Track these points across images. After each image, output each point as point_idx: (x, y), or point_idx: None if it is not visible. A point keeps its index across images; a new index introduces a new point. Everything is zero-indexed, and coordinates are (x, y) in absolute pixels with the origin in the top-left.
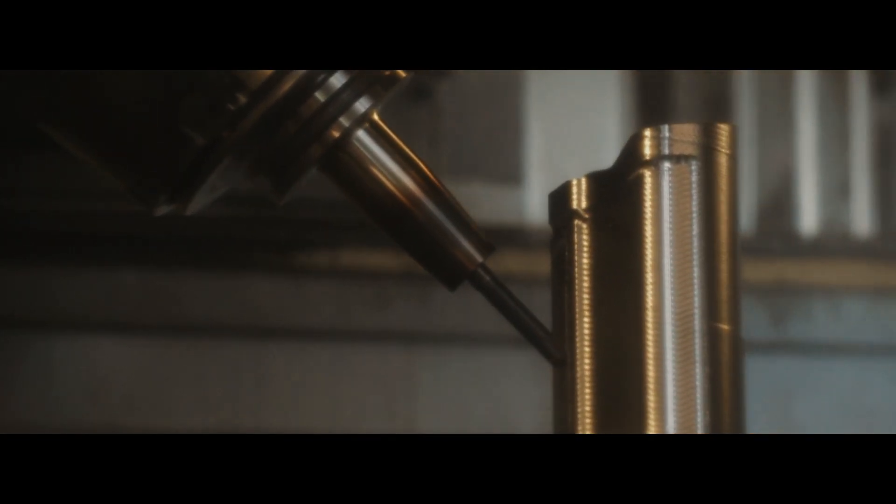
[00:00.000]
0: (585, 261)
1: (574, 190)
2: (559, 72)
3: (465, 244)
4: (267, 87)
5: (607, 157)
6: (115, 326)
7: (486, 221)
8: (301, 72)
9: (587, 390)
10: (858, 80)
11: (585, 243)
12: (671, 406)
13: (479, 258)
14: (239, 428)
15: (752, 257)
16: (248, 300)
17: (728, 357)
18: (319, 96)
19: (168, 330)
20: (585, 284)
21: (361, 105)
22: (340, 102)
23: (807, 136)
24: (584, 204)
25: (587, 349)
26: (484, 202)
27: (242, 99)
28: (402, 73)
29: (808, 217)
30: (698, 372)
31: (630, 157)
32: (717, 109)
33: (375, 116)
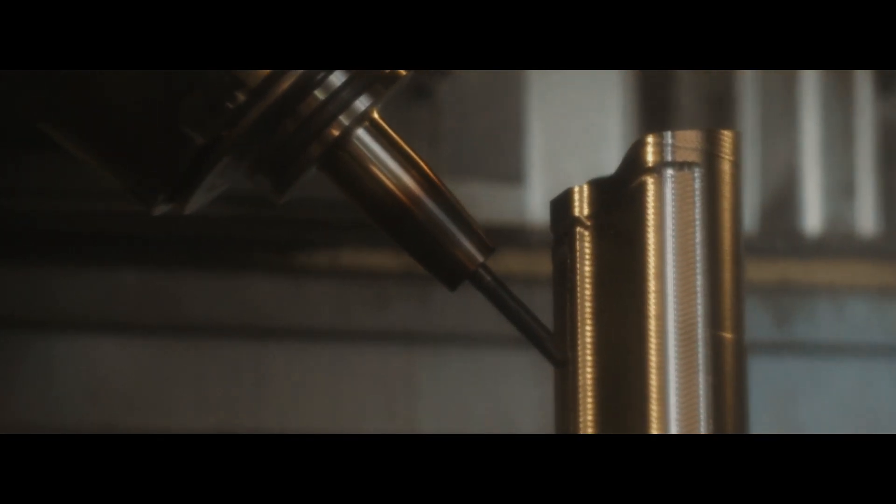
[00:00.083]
0: (587, 268)
1: (576, 197)
2: (560, 71)
3: (466, 244)
4: (266, 86)
5: (608, 157)
6: (114, 326)
7: (486, 221)
8: (300, 70)
9: (589, 399)
10: (862, 80)
11: (587, 251)
12: (674, 415)
13: (480, 258)
14: (238, 428)
15: (756, 257)
16: (248, 300)
17: (731, 366)
18: (319, 94)
19: (168, 330)
20: (587, 292)
21: (361, 103)
22: (340, 101)
23: (810, 136)
24: (586, 211)
25: (589, 357)
26: (484, 202)
27: (242, 98)
28: (402, 71)
29: (812, 217)
30: (701, 381)
31: (632, 164)
32: (719, 109)
33: (375, 115)
